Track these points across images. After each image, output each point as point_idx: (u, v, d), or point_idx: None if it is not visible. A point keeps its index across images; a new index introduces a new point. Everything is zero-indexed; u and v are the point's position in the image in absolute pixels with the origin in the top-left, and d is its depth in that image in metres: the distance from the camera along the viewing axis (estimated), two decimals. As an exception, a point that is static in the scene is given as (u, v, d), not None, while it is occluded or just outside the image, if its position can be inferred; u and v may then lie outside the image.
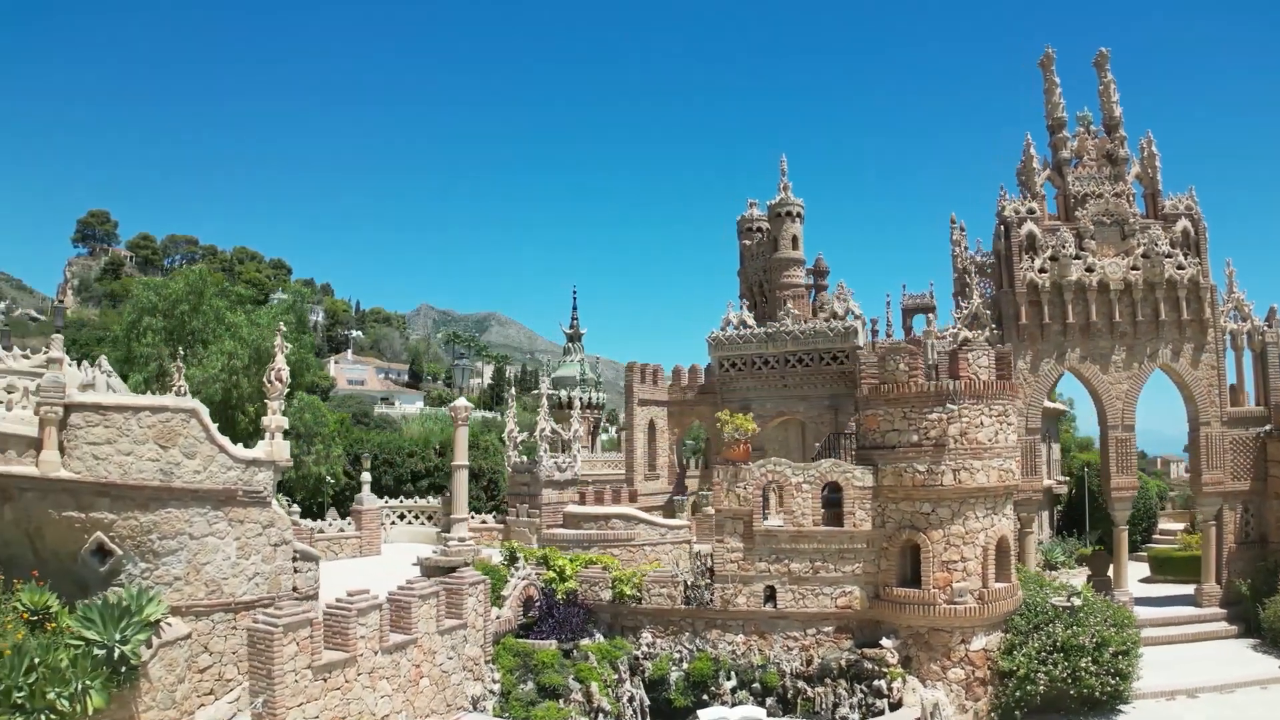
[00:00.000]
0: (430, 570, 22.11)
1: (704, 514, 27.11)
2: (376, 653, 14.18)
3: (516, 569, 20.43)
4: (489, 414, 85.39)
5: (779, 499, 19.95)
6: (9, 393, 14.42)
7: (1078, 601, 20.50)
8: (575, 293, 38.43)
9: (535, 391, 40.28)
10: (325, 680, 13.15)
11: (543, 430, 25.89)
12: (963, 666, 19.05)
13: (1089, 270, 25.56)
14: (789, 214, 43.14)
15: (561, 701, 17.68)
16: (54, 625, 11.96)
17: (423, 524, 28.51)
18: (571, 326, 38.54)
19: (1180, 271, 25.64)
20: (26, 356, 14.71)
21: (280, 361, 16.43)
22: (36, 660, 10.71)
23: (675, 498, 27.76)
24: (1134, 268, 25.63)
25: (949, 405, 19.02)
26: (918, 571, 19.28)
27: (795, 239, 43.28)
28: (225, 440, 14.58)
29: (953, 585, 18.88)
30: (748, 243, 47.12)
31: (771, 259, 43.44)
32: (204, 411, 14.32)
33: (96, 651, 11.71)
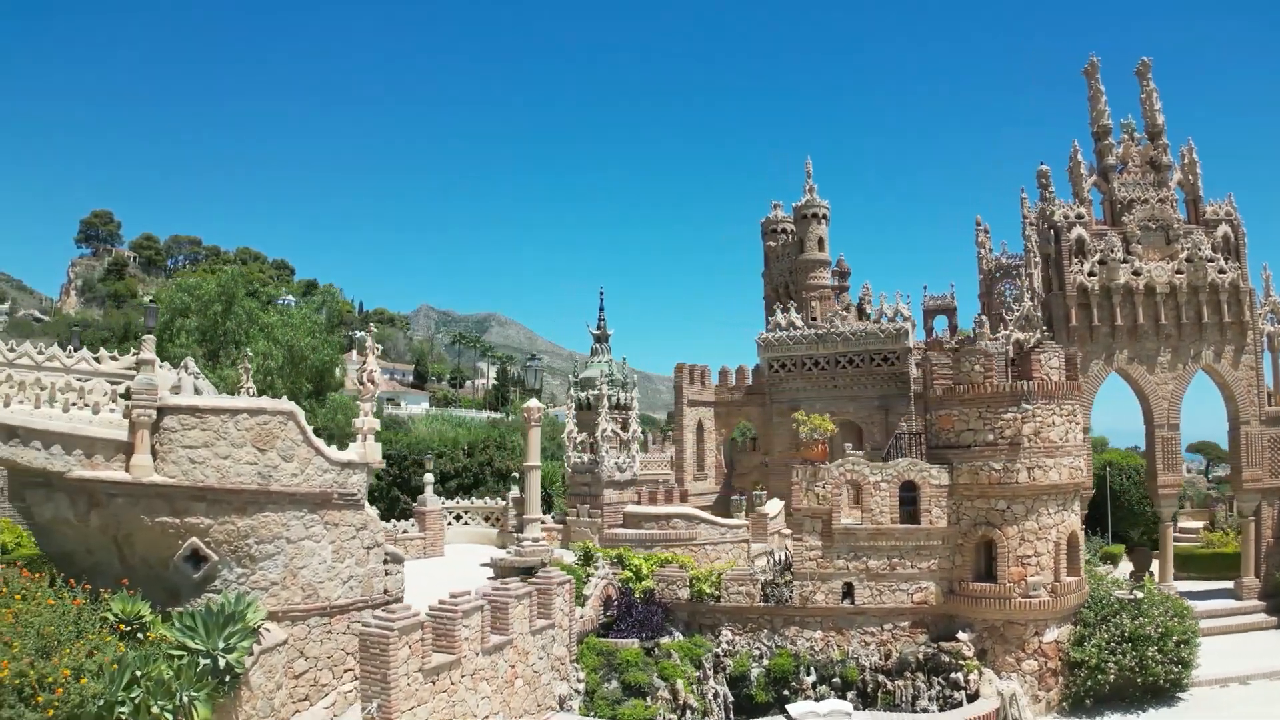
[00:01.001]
0: (505, 571, 22.45)
1: (758, 514, 27.69)
2: (478, 654, 14.15)
3: (597, 568, 20.88)
4: (495, 415, 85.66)
5: (856, 498, 20.50)
6: (74, 394, 13.77)
7: (1140, 594, 21.26)
8: (602, 294, 38.77)
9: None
10: (434, 683, 13.03)
11: (604, 431, 26.38)
12: (1036, 658, 19.73)
13: (1136, 274, 26.32)
14: (815, 215, 43.87)
15: (648, 699, 17.93)
16: (152, 635, 11.58)
17: (479, 524, 28.96)
18: (599, 327, 38.91)
19: (1221, 275, 26.44)
20: (114, 358, 14.10)
21: (372, 362, 16.42)
22: (139, 673, 10.19)
23: (733, 497, 28.29)
24: (1178, 272, 26.41)
25: (1024, 405, 19.69)
26: (991, 567, 19.94)
27: (821, 240, 44.00)
28: (321, 442, 14.45)
29: (1027, 579, 19.55)
30: (772, 244, 47.72)
31: (798, 260, 44.13)
32: (300, 414, 14.20)
33: (203, 661, 11.30)
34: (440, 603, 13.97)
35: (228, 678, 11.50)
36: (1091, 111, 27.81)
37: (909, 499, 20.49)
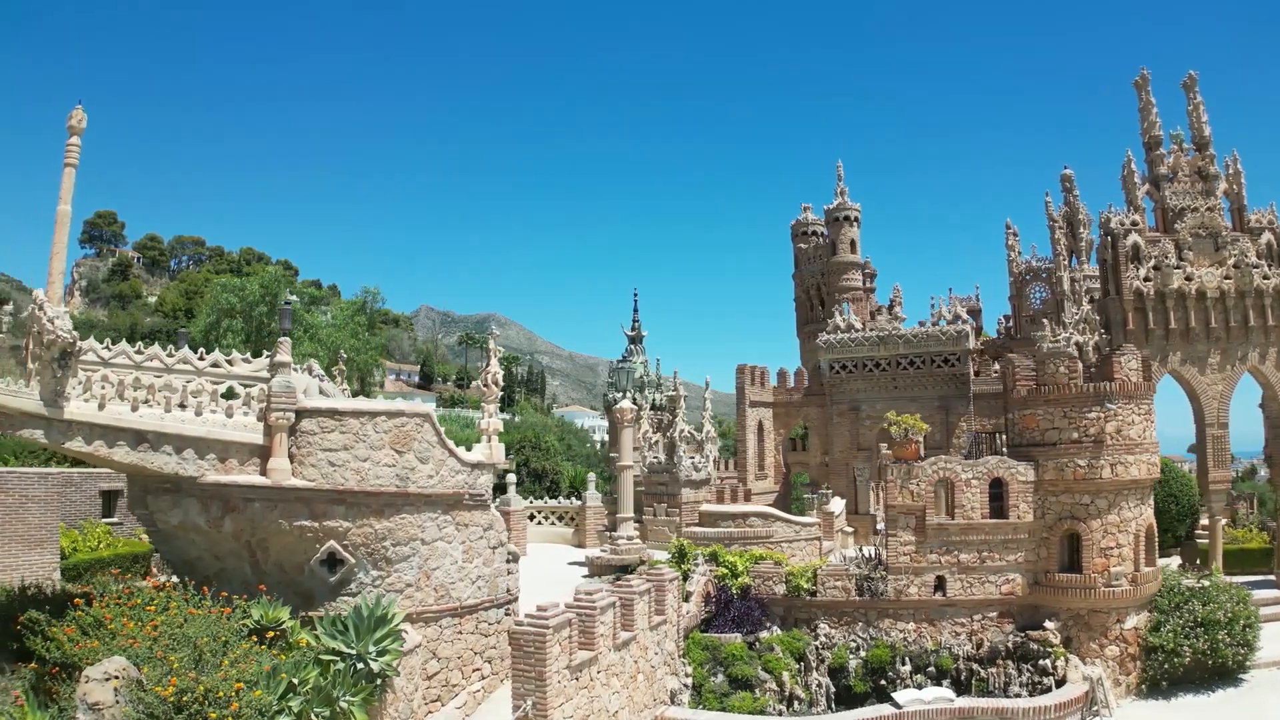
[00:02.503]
0: (601, 569, 23.43)
1: (824, 512, 28.73)
2: (611, 650, 14.16)
3: (697, 565, 21.80)
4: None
5: (949, 495, 21.55)
6: (206, 396, 13.30)
7: (1206, 583, 22.49)
8: (636, 295, 38.88)
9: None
10: (577, 679, 13.00)
11: (681, 431, 27.34)
12: (1117, 644, 20.89)
13: (1188, 279, 27.53)
14: (846, 218, 45.17)
15: (755, 692, 18.69)
16: (300, 640, 11.42)
17: (553, 524, 29.88)
18: (633, 328, 39.66)
19: (1266, 281, 27.67)
20: (247, 360, 13.85)
21: (494, 366, 16.82)
22: (295, 680, 10.06)
23: (806, 495, 29.32)
24: (1226, 277, 27.64)
25: (1106, 405, 20.83)
26: (1074, 558, 21.06)
27: (853, 242, 45.30)
28: (452, 444, 14.47)
29: (1110, 570, 20.69)
30: (803, 246, 48.93)
31: (830, 262, 45.40)
32: (435, 416, 14.26)
33: (358, 665, 11.27)
34: (576, 600, 14.03)
35: (378, 681, 11.52)
36: (1143, 123, 29.01)
37: (995, 495, 21.60)
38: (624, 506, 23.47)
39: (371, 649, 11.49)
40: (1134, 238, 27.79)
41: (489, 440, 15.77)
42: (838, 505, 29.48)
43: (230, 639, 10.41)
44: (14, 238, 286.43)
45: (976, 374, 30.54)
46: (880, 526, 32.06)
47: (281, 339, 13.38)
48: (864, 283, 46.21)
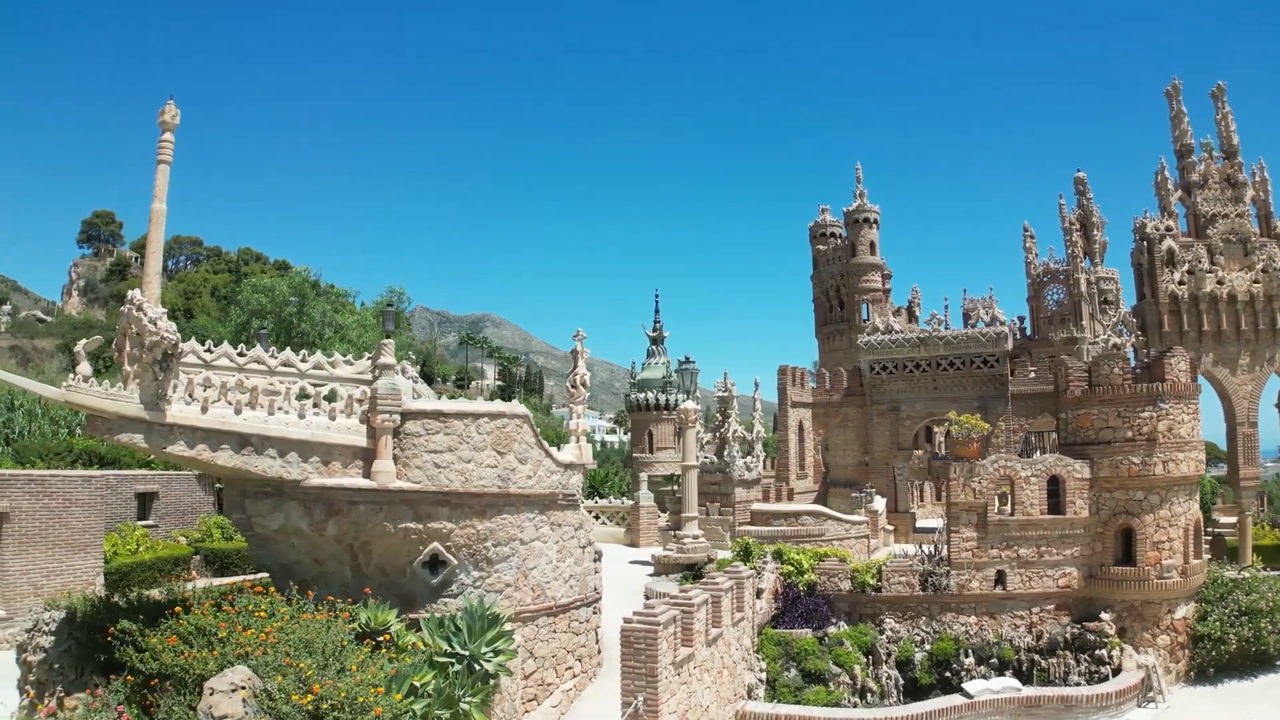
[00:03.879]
0: (669, 568, 24.02)
1: (869, 510, 29.56)
2: (704, 646, 14.26)
3: (766, 563, 22.52)
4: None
5: (1010, 492, 22.43)
6: (309, 399, 13.15)
7: (1247, 575, 23.55)
8: (657, 296, 39.40)
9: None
10: (679, 675, 13.07)
11: (735, 432, 28.13)
12: (1168, 633, 21.84)
13: (1220, 283, 28.65)
14: (865, 220, 45.98)
15: (829, 685, 19.16)
16: (408, 642, 11.43)
17: (604, 524, 30.56)
18: (654, 329, 40.15)
19: (1293, 285, 28.82)
20: (349, 362, 13.72)
21: (581, 368, 17.15)
22: (417, 685, 10.05)
23: (853, 494, 30.18)
24: (1255, 281, 28.77)
25: (1159, 405, 21.77)
26: (1128, 552, 21.96)
27: (872, 244, 46.14)
28: (547, 445, 14.63)
29: (1162, 562, 21.64)
30: (821, 248, 49.53)
31: (849, 264, 46.21)
32: (531, 417, 14.38)
33: (474, 667, 11.43)
34: (676, 597, 14.27)
35: (491, 682, 11.69)
36: (1174, 130, 30.11)
37: (1051, 491, 22.49)
38: (689, 506, 24.11)
39: (485, 649, 11.71)
40: (1169, 243, 28.84)
41: (578, 441, 16.08)
42: (879, 504, 30.36)
43: (346, 644, 10.29)
44: (9, 239, 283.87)
45: (1012, 374, 31.49)
46: (922, 525, 33.05)
47: (385, 341, 13.40)
48: (882, 284, 47.12)
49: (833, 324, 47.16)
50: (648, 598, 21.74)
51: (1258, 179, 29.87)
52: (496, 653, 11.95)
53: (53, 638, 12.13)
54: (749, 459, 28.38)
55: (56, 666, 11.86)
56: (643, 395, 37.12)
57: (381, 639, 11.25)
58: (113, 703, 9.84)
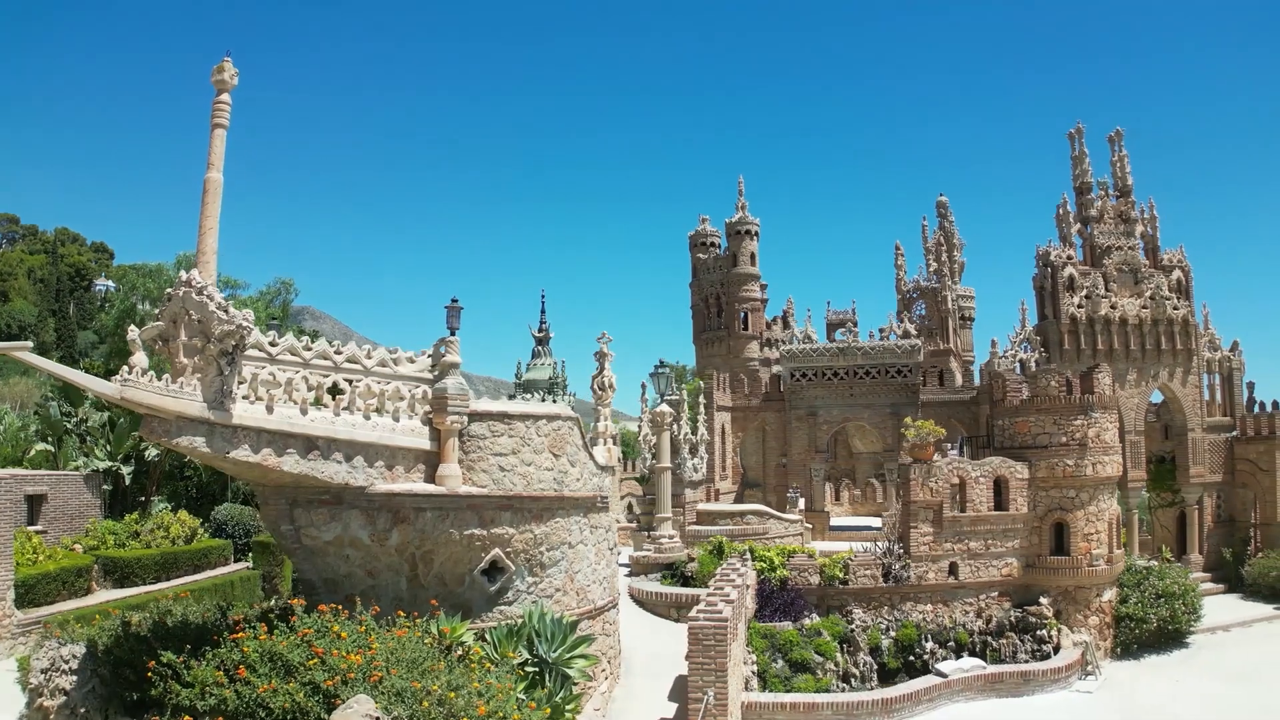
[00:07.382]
0: (647, 567, 24.87)
1: (798, 510, 31.25)
2: (733, 641, 14.17)
3: (747, 560, 23.50)
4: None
5: (961, 490, 24.48)
6: (375, 399, 12.04)
7: (1155, 563, 26.60)
8: (544, 295, 38.83)
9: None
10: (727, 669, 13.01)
11: (684, 434, 29.24)
12: (1098, 615, 24.46)
13: (1113, 307, 32.10)
14: (747, 232, 47.08)
15: (816, 673, 20.36)
16: (477, 651, 10.87)
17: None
18: (540, 329, 39.14)
19: (1175, 311, 32.69)
20: (411, 360, 12.64)
21: (608, 370, 17.64)
22: (504, 699, 9.45)
23: (789, 494, 31.80)
24: (1144, 307, 32.40)
25: (1090, 413, 24.39)
26: (1061, 543, 24.46)
27: (753, 255, 47.26)
28: (589, 448, 14.53)
29: (1091, 552, 24.19)
30: (701, 256, 49.38)
31: (730, 273, 46.77)
32: (579, 420, 14.17)
33: (552, 674, 11.33)
34: (707, 595, 14.62)
35: (574, 688, 11.56)
36: (1075, 170, 33.63)
37: (994, 490, 24.70)
38: (663, 507, 25.02)
39: (569, 655, 11.69)
40: (1070, 270, 32.07)
41: (606, 443, 16.21)
42: (804, 504, 32.22)
43: (440, 659, 9.72)
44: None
45: (924, 384, 34.10)
46: (835, 523, 34.98)
47: (451, 338, 12.71)
48: (760, 294, 48.43)
49: (711, 330, 47.28)
50: (634, 597, 22.56)
51: (1147, 216, 33.67)
52: (575, 658, 11.89)
53: (74, 677, 10.71)
54: (695, 460, 29.50)
55: (82, 711, 10.54)
56: (529, 398, 36.62)
57: (456, 653, 10.54)
58: None
